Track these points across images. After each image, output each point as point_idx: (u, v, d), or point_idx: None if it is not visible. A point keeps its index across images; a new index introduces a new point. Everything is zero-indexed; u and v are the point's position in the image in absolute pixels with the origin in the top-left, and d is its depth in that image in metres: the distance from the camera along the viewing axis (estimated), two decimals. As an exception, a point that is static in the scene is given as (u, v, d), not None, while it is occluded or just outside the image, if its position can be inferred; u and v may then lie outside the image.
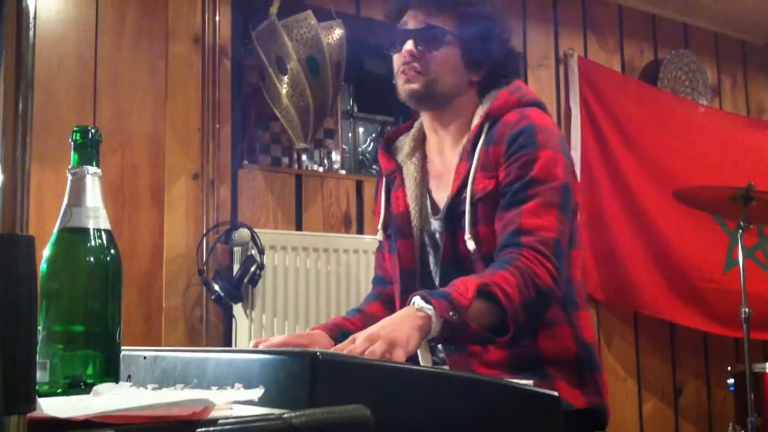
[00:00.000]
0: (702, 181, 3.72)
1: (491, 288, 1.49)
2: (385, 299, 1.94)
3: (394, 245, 1.86)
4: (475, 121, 1.78)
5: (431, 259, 1.82)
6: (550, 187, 1.65)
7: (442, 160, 1.86)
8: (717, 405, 4.41)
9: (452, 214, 1.74)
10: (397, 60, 1.80)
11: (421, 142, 1.93)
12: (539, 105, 1.80)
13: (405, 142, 1.94)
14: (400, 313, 1.46)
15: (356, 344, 1.32)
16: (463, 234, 1.70)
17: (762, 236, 4.42)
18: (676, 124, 4.32)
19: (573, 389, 1.65)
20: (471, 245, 1.68)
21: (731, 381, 3.50)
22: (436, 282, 1.78)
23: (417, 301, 1.45)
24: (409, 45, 1.76)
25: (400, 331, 1.36)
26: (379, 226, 1.93)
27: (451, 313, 1.42)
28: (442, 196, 1.81)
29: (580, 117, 4.04)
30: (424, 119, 1.90)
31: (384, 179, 1.95)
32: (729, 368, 3.56)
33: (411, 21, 1.80)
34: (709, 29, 4.74)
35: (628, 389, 4.15)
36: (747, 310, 3.19)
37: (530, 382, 1.18)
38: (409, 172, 1.88)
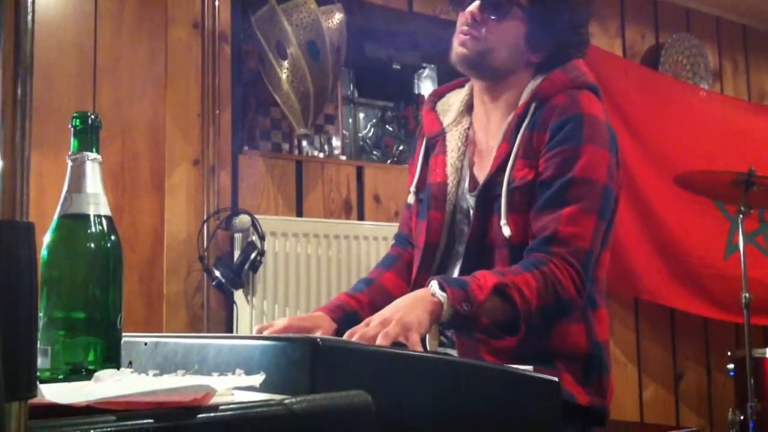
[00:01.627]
0: (703, 166, 3.72)
1: (510, 289, 1.48)
2: (401, 265, 1.89)
3: (425, 213, 1.78)
4: (523, 98, 1.69)
5: (461, 237, 1.75)
6: (592, 191, 1.59)
7: (486, 135, 1.77)
8: (717, 390, 4.42)
9: (486, 194, 1.68)
10: (459, 20, 1.71)
11: (468, 108, 1.83)
12: (593, 89, 1.72)
13: (453, 105, 1.84)
14: (413, 295, 1.46)
15: (370, 328, 1.33)
16: (493, 218, 1.65)
17: (762, 221, 4.42)
18: (677, 109, 4.31)
19: (577, 386, 1.63)
20: (507, 231, 1.62)
21: (731, 366, 3.50)
22: (458, 261, 1.72)
23: (433, 285, 1.44)
24: (474, 6, 1.67)
25: (413, 315, 1.36)
26: (412, 189, 1.85)
27: (463, 305, 1.42)
28: (482, 173, 1.73)
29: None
30: (475, 87, 1.81)
31: (425, 141, 1.86)
32: (729, 353, 3.57)
33: None
34: (710, 13, 4.72)
35: (628, 375, 4.16)
36: (747, 295, 3.19)
37: (530, 367, 1.18)
38: (453, 140, 1.79)
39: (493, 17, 1.67)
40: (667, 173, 3.80)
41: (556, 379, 1.13)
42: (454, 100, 1.86)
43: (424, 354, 1.03)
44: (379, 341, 1.28)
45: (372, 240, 3.29)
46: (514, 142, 1.66)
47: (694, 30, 4.62)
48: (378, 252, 3.24)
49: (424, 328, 1.38)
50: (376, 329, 1.31)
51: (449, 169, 1.77)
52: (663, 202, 4.11)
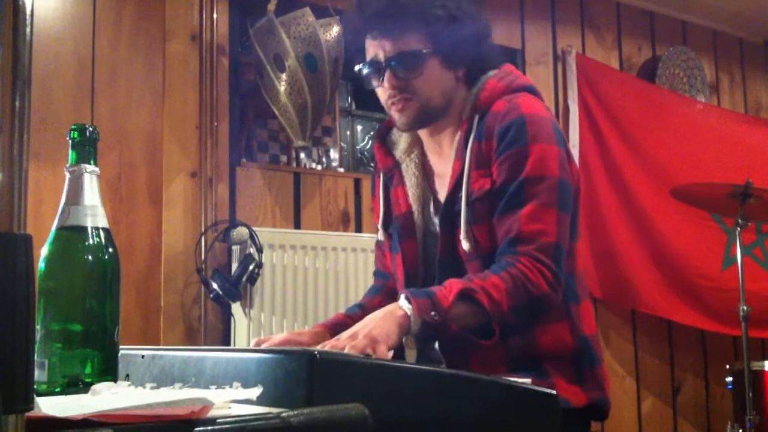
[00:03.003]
0: (700, 179, 3.72)
1: (476, 293, 1.50)
2: (388, 291, 1.93)
3: (398, 246, 1.81)
4: (465, 115, 1.72)
5: (434, 260, 1.78)
6: (546, 186, 1.61)
7: (440, 158, 1.81)
8: (715, 403, 4.41)
9: (449, 212, 1.71)
10: (382, 93, 1.73)
11: (417, 138, 1.86)
12: (529, 90, 1.74)
13: (401, 136, 1.87)
14: (382, 310, 1.49)
15: (340, 341, 1.37)
16: (459, 233, 1.68)
17: (760, 233, 4.42)
18: (674, 122, 4.32)
19: (572, 386, 1.64)
20: (466, 245, 1.65)
21: (729, 379, 3.49)
22: (436, 282, 1.74)
23: (401, 298, 1.49)
24: (387, 77, 1.68)
25: (380, 328, 1.41)
26: (379, 225, 1.89)
27: (432, 314, 1.46)
28: (443, 195, 1.76)
29: (578, 114, 4.04)
30: None
31: (381, 176, 1.89)
32: (727, 366, 3.56)
33: (378, 51, 1.69)
34: (707, 26, 4.74)
35: (626, 387, 4.16)
36: (745, 308, 3.19)
37: (528, 380, 1.18)
38: (409, 170, 1.83)
39: (411, 75, 1.67)
40: (664, 186, 3.80)
41: (554, 392, 1.12)
42: (401, 134, 1.87)
43: (422, 367, 1.03)
44: (347, 352, 1.33)
45: (370, 252, 3.28)
46: (465, 156, 1.68)
47: (691, 43, 4.64)
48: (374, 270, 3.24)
49: (393, 340, 1.42)
50: (345, 342, 1.36)
51: (411, 198, 1.80)
52: (660, 215, 4.11)
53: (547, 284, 1.57)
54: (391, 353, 1.44)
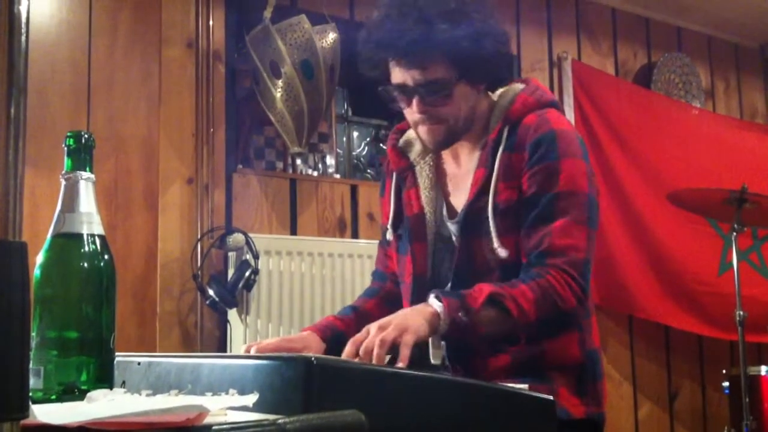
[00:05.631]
0: (696, 184, 3.73)
1: (505, 300, 1.51)
2: (384, 296, 1.92)
3: (407, 248, 1.80)
4: (494, 125, 1.72)
5: (445, 264, 1.77)
6: (578, 203, 1.63)
7: (458, 163, 1.80)
8: (712, 408, 4.41)
9: (469, 220, 1.70)
10: (409, 114, 1.72)
11: None
12: (556, 105, 1.77)
13: (416, 139, 1.85)
14: (412, 308, 1.52)
15: (370, 336, 1.39)
16: (478, 242, 1.68)
17: (756, 239, 4.43)
18: (669, 127, 4.33)
19: (573, 397, 1.64)
20: (503, 253, 1.64)
21: (726, 384, 3.50)
22: (448, 287, 1.73)
23: (430, 297, 1.50)
24: (417, 103, 1.67)
25: (411, 320, 1.43)
26: (389, 226, 1.88)
27: (460, 314, 1.47)
28: (459, 200, 1.76)
29: (574, 120, 4.04)
30: None
31: (394, 177, 1.88)
32: (724, 371, 3.56)
33: (406, 77, 1.67)
34: (702, 32, 4.75)
35: (623, 393, 4.15)
36: (742, 313, 3.19)
37: (525, 386, 1.18)
38: (423, 172, 1.83)
39: (440, 102, 1.67)
40: (660, 191, 3.81)
41: (551, 398, 1.12)
42: (416, 137, 1.87)
43: (418, 373, 1.03)
44: (376, 350, 1.35)
45: (366, 258, 3.28)
46: (493, 166, 1.68)
47: (686, 48, 4.65)
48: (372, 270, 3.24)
49: (422, 333, 1.43)
50: (376, 335, 1.38)
51: (424, 200, 1.80)
52: (656, 220, 4.12)
53: (575, 298, 1.58)
54: (405, 357, 1.41)
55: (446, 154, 1.83)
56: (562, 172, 1.63)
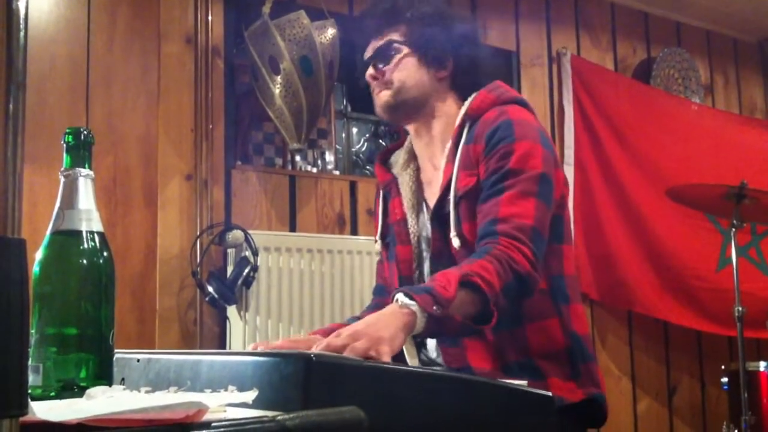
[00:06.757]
0: (695, 180, 3.72)
1: (472, 278, 1.48)
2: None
3: (393, 252, 1.88)
4: (458, 121, 1.81)
5: (426, 264, 1.84)
6: (527, 177, 1.66)
7: (433, 166, 1.89)
8: (711, 404, 4.42)
9: (440, 214, 1.77)
10: (371, 85, 1.89)
11: (412, 154, 1.96)
12: (519, 102, 1.82)
13: (399, 156, 1.98)
14: (384, 311, 1.42)
15: (339, 338, 1.29)
16: (450, 232, 1.72)
17: (755, 234, 4.43)
18: (669, 123, 4.33)
19: (567, 382, 1.66)
20: (456, 243, 1.70)
21: (725, 379, 3.50)
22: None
23: (400, 297, 1.42)
24: (369, 69, 1.86)
25: (386, 330, 1.33)
26: (377, 237, 1.96)
27: (435, 308, 1.41)
28: (434, 200, 1.82)
29: (573, 116, 4.05)
30: (411, 132, 1.94)
31: (381, 192, 1.99)
32: (723, 367, 3.56)
33: (370, 51, 1.88)
34: (701, 27, 4.75)
35: (622, 388, 4.16)
36: (740, 308, 3.19)
37: (524, 382, 1.18)
38: (405, 182, 1.92)
39: (385, 65, 1.85)
40: (659, 187, 3.81)
41: (550, 394, 1.12)
42: (400, 154, 2.00)
43: (417, 369, 1.03)
44: (346, 354, 1.24)
45: (366, 254, 3.28)
46: (456, 160, 1.76)
47: (685, 44, 4.64)
48: (372, 267, 3.23)
49: (398, 343, 1.35)
50: (345, 341, 1.27)
51: (406, 206, 1.89)
52: (655, 216, 4.12)
53: (528, 262, 1.58)
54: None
55: (425, 162, 1.92)
56: (515, 152, 1.67)
